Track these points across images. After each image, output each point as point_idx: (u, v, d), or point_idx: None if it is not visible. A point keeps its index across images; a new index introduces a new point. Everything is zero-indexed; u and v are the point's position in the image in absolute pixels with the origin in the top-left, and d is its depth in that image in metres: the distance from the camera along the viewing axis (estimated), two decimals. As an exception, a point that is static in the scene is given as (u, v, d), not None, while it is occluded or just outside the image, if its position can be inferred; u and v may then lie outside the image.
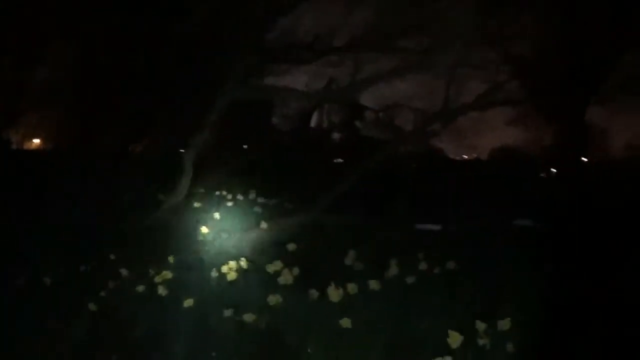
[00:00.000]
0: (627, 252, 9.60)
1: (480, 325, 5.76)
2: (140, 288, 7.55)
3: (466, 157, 29.40)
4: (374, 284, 7.37)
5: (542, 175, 25.51)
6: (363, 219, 11.27)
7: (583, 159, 21.83)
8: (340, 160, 25.79)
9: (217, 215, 11.62)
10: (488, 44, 16.84)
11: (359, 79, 19.02)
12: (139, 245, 9.60)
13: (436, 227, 11.02)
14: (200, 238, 10.21)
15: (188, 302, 7.17)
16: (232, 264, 8.10)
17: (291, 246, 9.36)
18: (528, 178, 23.00)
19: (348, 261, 8.51)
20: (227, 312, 7.07)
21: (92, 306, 7.25)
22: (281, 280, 7.76)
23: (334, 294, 6.94)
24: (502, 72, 18.40)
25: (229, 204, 13.22)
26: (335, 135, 26.49)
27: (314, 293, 7.24)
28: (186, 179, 11.50)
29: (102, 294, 7.69)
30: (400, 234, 10.84)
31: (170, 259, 8.64)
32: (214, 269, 8.05)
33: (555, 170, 23.97)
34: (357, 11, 18.35)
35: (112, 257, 8.99)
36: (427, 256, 8.63)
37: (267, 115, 23.92)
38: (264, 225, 10.51)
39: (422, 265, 8.34)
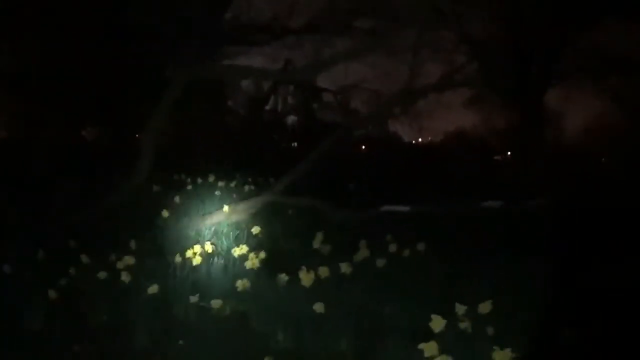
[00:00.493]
0: (590, 229, 9.54)
1: (460, 309, 5.45)
2: (102, 275, 7.10)
3: (421, 140, 29.25)
4: (345, 268, 7.04)
5: (496, 158, 25.48)
6: (324, 202, 10.88)
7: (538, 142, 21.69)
8: (295, 143, 25.46)
9: (177, 199, 11.26)
10: (443, 25, 16.58)
11: (315, 61, 18.64)
12: (98, 231, 9.12)
13: (404, 209, 10.66)
14: (162, 222, 9.81)
15: (152, 289, 6.79)
16: (196, 248, 7.73)
17: (255, 229, 9.00)
18: (483, 161, 22.88)
19: (316, 244, 8.12)
20: (193, 299, 6.75)
21: (52, 294, 6.79)
22: (248, 264, 7.43)
23: (306, 278, 6.63)
24: (458, 54, 18.30)
25: (189, 187, 12.80)
26: (291, 119, 26.07)
27: (283, 277, 6.90)
28: (145, 163, 11.04)
29: (62, 281, 7.23)
30: (366, 215, 10.51)
31: (132, 244, 8.17)
32: (178, 253, 7.65)
33: (510, 153, 23.91)
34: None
35: (72, 243, 8.47)
36: (396, 238, 8.28)
37: (221, 100, 23.42)
38: (225, 208, 10.07)
39: (392, 248, 8.00)
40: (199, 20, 15.96)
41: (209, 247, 7.93)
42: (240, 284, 6.87)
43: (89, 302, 6.94)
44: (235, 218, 10.15)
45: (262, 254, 7.66)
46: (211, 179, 13.22)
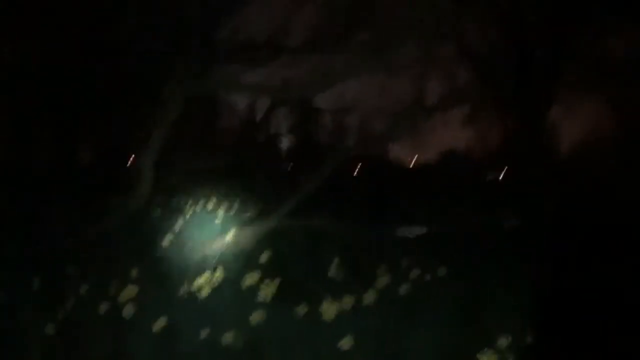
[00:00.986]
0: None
1: (503, 341, 4.83)
2: (103, 307, 6.40)
3: (415, 159, 28.38)
4: (368, 297, 6.34)
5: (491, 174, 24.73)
6: (336, 224, 10.22)
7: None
8: (290, 164, 24.74)
9: (179, 223, 10.50)
10: (443, 38, 16.09)
11: (314, 79, 18.01)
12: (97, 257, 8.43)
13: (419, 230, 10.02)
14: (164, 249, 9.05)
15: (159, 324, 6.08)
16: (204, 277, 7.00)
17: (265, 255, 8.29)
18: (482, 177, 22.28)
19: (333, 270, 7.44)
20: (204, 334, 6.14)
21: (49, 329, 6.16)
22: (261, 294, 6.71)
23: (328, 309, 5.93)
24: (458, 69, 17.82)
25: (189, 210, 12.08)
26: (286, 140, 25.32)
27: (301, 309, 6.22)
28: (144, 185, 10.35)
29: (60, 315, 6.52)
30: (381, 237, 9.87)
31: (134, 272, 7.47)
32: (184, 283, 6.92)
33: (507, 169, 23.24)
34: (307, 9, 17.42)
35: (69, 271, 7.80)
36: (416, 262, 7.63)
37: (216, 120, 22.71)
38: (230, 233, 9.40)
39: (414, 273, 7.35)
40: (193, 38, 15.30)
41: (217, 276, 7.20)
42: (255, 316, 6.15)
43: (90, 339, 6.19)
44: (241, 243, 9.46)
45: (276, 282, 6.94)
46: (211, 201, 12.49)
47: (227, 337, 6.04)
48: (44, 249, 9.01)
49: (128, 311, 6.46)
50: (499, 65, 18.47)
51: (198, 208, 12.40)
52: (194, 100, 13.84)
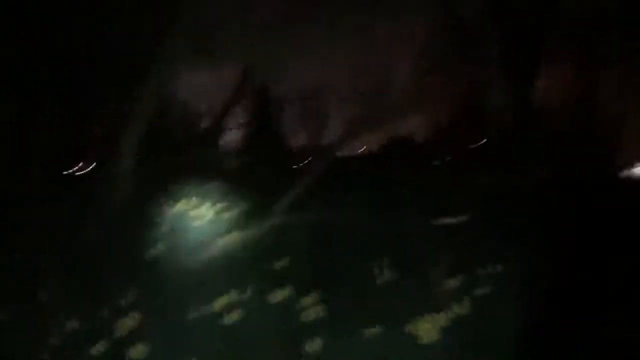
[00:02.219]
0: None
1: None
2: (101, 348, 4.50)
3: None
4: (463, 305, 4.59)
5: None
6: (362, 214, 8.41)
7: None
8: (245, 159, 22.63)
9: (174, 227, 8.50)
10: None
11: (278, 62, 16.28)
12: (83, 277, 6.48)
13: (459, 219, 8.26)
14: (161, 258, 7.11)
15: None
16: (223, 299, 5.11)
17: (282, 262, 6.45)
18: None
19: (386, 275, 5.64)
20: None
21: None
22: (307, 315, 4.88)
23: (424, 329, 4.16)
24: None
25: (172, 212, 9.96)
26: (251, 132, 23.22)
27: (372, 331, 4.40)
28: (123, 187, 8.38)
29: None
30: (419, 230, 8.06)
31: (131, 293, 5.57)
32: (203, 307, 5.05)
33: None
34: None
35: (51, 297, 5.84)
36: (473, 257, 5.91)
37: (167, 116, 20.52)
38: (232, 235, 7.54)
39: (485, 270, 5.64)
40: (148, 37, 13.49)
41: (235, 295, 5.34)
42: (310, 347, 4.34)
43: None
44: (248, 247, 7.60)
45: (316, 296, 5.13)
46: (193, 202, 10.46)
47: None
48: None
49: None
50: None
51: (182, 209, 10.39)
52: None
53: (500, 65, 16.52)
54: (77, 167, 14.60)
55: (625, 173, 13.68)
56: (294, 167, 16.61)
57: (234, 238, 7.78)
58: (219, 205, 10.13)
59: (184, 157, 17.63)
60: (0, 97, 12.12)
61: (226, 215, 9.71)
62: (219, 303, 5.26)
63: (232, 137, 22.45)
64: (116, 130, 9.42)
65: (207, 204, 10.12)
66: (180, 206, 10.07)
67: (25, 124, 13.19)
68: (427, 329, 4.22)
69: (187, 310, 5.57)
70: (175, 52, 10.02)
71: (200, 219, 9.16)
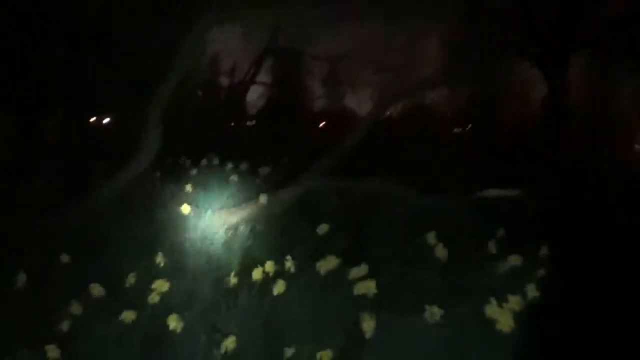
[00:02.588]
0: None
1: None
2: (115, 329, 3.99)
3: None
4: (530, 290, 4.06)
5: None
6: (398, 184, 7.82)
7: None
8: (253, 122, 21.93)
9: (199, 191, 7.92)
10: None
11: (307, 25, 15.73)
12: (104, 246, 5.95)
13: (511, 193, 7.66)
14: (196, 224, 6.56)
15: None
16: (267, 265, 4.59)
17: (323, 228, 5.88)
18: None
19: (438, 252, 5.10)
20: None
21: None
22: (359, 289, 4.35)
23: (495, 312, 3.65)
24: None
25: (192, 173, 9.31)
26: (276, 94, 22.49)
27: (433, 311, 3.88)
28: (152, 142, 7.80)
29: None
30: (465, 203, 7.49)
31: (159, 259, 5.04)
32: (240, 276, 4.52)
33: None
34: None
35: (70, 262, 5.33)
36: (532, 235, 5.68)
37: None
38: (262, 199, 6.98)
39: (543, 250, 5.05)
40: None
41: (277, 264, 4.79)
42: (365, 324, 3.83)
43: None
44: (277, 211, 7.05)
45: (364, 268, 4.59)
46: (225, 163, 9.87)
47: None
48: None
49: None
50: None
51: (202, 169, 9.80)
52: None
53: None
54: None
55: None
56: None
57: (269, 199, 7.19)
58: (249, 165, 9.61)
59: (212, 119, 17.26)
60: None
61: (260, 174, 9.19)
62: (259, 271, 4.68)
63: (259, 97, 21.94)
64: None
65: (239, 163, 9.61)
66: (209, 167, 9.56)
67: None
68: (499, 312, 3.66)
69: (221, 279, 5.06)
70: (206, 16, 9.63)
71: (234, 177, 8.60)
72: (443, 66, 16.17)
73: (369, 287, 4.49)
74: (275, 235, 6.43)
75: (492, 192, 7.66)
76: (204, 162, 9.75)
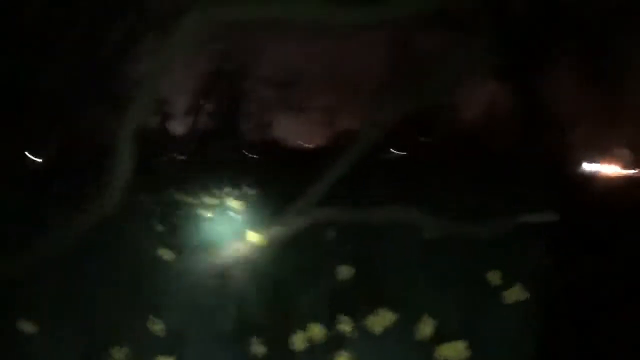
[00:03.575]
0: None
1: None
2: None
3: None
4: None
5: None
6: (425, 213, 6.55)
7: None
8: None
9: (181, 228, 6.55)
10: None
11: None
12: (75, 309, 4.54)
13: (547, 218, 6.55)
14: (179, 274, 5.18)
15: None
16: (313, 330, 3.34)
17: (344, 271, 4.61)
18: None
19: (511, 296, 3.91)
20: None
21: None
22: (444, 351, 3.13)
23: None
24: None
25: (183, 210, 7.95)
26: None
27: None
28: (122, 173, 6.32)
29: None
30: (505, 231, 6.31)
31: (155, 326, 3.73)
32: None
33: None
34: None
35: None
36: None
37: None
38: (250, 235, 5.68)
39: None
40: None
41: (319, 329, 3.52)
42: None
43: None
44: (271, 252, 5.76)
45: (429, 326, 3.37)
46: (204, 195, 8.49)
47: None
48: None
49: None
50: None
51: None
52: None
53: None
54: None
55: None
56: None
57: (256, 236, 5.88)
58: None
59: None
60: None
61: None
62: (300, 338, 3.37)
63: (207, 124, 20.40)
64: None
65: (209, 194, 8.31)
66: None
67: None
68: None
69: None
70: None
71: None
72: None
73: (458, 351, 3.23)
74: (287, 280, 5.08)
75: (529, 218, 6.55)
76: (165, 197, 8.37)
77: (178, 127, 18.51)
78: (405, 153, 19.46)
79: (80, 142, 12.92)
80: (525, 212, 6.57)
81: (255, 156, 19.46)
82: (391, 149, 21.19)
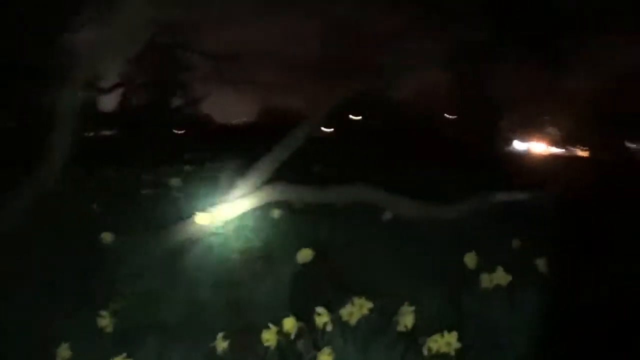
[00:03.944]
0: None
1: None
2: None
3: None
4: None
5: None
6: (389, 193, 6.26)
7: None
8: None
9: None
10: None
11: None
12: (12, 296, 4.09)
13: (521, 197, 6.36)
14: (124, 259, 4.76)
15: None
16: (286, 324, 3.01)
17: (304, 254, 4.36)
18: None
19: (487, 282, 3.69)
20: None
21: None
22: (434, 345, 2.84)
23: None
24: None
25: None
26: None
27: None
28: (60, 149, 5.82)
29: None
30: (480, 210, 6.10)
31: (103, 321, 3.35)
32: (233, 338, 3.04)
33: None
34: None
35: None
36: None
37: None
38: (202, 217, 5.29)
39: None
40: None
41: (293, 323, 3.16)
42: None
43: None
44: (227, 232, 5.37)
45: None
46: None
47: None
48: None
49: None
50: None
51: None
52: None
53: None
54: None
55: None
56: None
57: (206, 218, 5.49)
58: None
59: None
60: None
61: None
62: (272, 333, 3.03)
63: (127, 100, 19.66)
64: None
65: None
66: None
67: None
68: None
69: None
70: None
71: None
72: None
73: (449, 344, 2.94)
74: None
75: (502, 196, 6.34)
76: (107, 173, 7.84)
77: (111, 101, 17.79)
78: (332, 129, 19.31)
79: (18, 116, 12.40)
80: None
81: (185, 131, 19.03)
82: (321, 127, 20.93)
